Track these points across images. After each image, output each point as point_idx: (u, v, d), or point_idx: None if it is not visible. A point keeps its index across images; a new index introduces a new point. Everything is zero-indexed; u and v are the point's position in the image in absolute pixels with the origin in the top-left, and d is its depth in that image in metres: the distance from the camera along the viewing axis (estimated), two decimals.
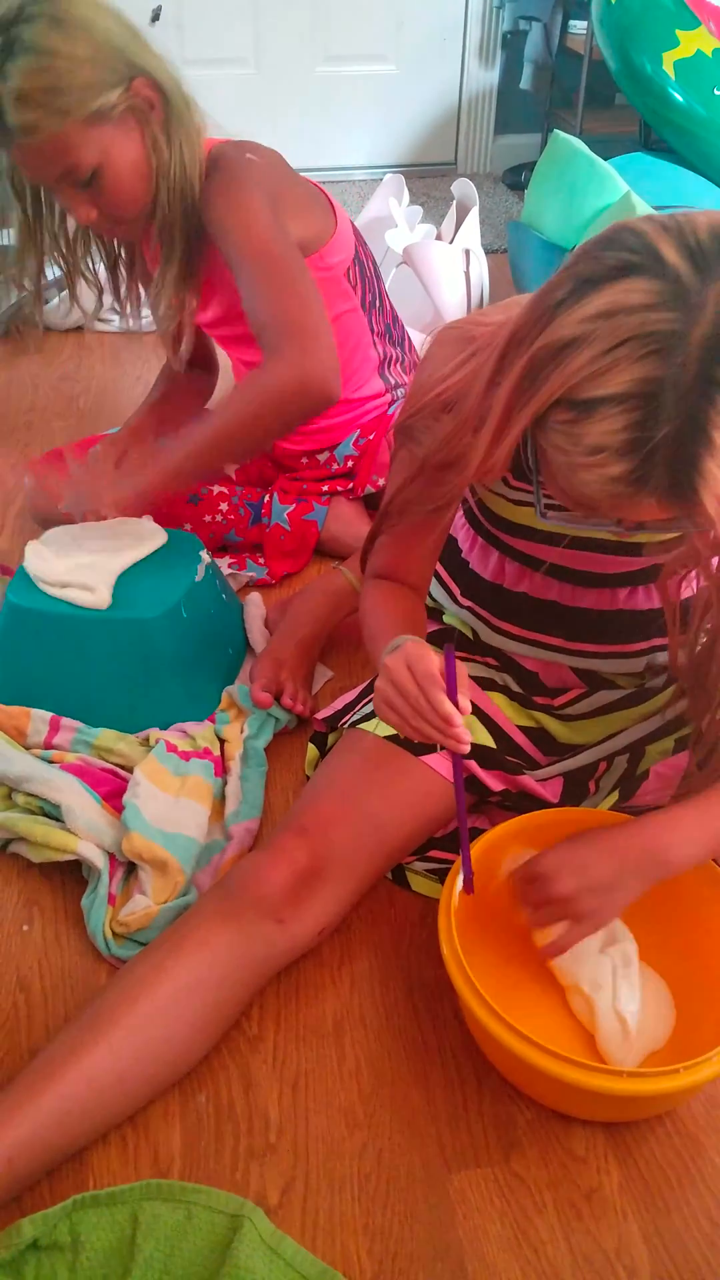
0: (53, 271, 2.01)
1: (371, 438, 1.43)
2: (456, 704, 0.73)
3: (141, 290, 1.38)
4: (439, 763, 0.95)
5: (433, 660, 0.75)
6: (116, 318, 2.10)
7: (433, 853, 1.00)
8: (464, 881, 0.86)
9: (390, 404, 1.46)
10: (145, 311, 1.40)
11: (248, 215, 1.14)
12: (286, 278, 1.13)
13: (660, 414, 0.60)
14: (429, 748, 0.95)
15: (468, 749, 0.75)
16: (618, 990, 0.85)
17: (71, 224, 1.26)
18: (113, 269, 1.36)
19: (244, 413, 1.13)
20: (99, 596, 1.11)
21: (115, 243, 1.35)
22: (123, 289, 1.38)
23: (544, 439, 0.65)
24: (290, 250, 1.15)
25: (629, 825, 0.82)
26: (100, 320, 2.13)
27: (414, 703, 0.74)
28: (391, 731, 0.96)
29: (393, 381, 1.46)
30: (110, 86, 1.04)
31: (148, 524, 1.20)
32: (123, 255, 1.36)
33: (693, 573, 0.81)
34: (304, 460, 1.46)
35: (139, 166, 1.11)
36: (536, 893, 0.81)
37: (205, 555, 1.21)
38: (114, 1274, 0.73)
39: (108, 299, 1.40)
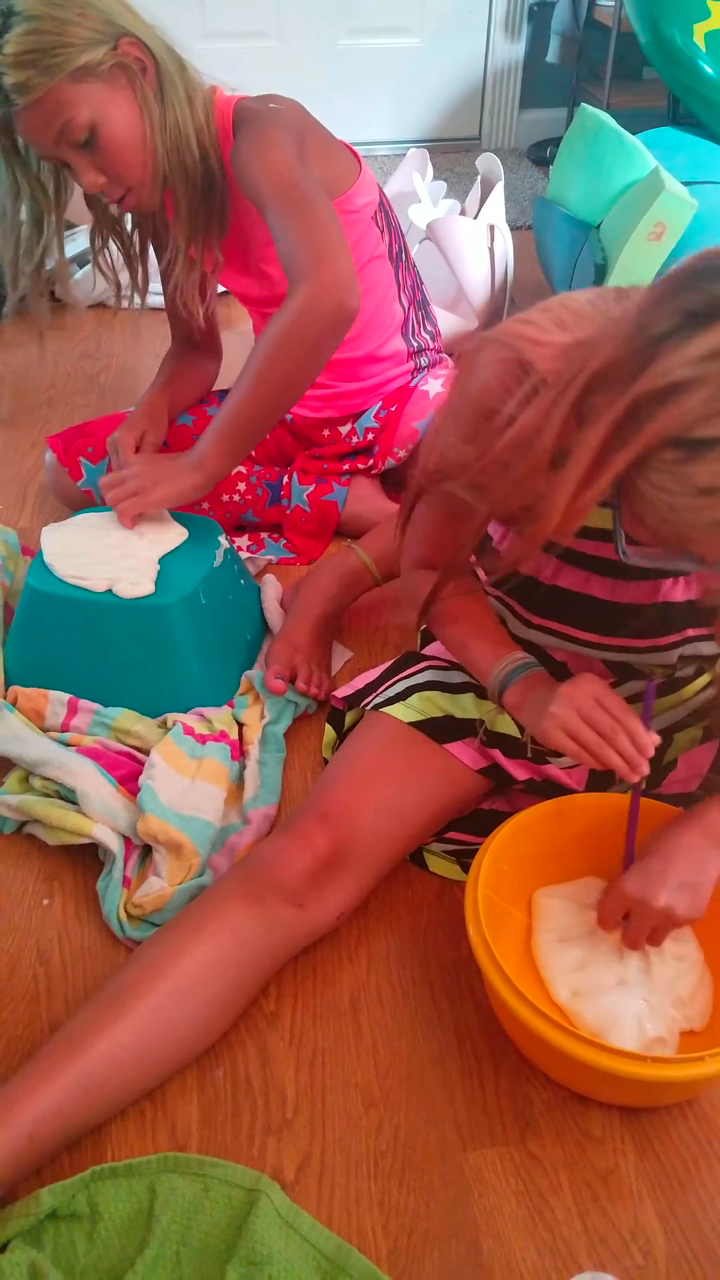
0: (74, 247, 1.99)
1: (394, 409, 1.41)
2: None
3: (154, 263, 1.37)
4: (462, 750, 0.95)
5: (613, 693, 0.81)
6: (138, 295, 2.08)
7: (451, 834, 1.00)
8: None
9: (413, 373, 1.44)
10: (155, 286, 1.40)
11: (269, 151, 1.14)
12: (303, 204, 1.10)
13: None
14: (452, 734, 0.95)
15: (640, 777, 0.81)
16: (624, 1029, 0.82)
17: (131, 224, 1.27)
18: (126, 252, 1.36)
19: (271, 353, 1.09)
20: (141, 588, 1.10)
21: (131, 222, 1.34)
22: (136, 269, 1.38)
23: (643, 479, 0.63)
24: (307, 178, 1.13)
25: (676, 825, 0.84)
26: (125, 297, 2.12)
27: (607, 732, 0.79)
28: (416, 717, 0.95)
29: (416, 345, 1.44)
30: (96, 44, 1.09)
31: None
32: (136, 238, 1.35)
33: None
34: (325, 433, 1.45)
35: (133, 123, 1.13)
36: (641, 921, 0.82)
37: (224, 540, 1.20)
38: (131, 1244, 0.74)
39: (124, 278, 1.40)
